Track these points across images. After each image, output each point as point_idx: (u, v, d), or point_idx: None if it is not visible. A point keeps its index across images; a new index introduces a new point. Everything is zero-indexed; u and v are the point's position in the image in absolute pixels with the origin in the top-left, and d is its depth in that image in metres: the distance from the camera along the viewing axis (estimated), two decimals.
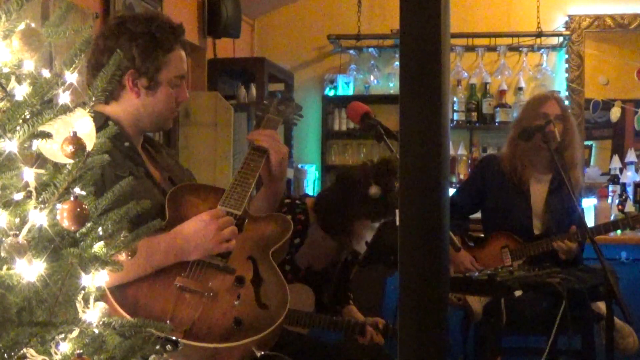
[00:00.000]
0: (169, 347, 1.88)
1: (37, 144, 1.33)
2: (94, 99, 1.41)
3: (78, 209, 1.30)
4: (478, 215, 4.03)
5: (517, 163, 3.77)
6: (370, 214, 2.84)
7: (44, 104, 1.31)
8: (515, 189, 3.78)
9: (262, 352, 2.04)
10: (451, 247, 2.14)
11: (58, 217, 1.30)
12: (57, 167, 1.38)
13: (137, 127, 2.32)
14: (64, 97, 1.33)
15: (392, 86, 6.13)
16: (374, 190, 2.76)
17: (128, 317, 1.93)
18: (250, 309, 2.10)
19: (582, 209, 3.57)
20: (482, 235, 3.93)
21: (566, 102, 5.87)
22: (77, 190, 1.36)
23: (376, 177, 2.81)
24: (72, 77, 1.35)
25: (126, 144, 2.27)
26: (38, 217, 1.31)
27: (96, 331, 1.39)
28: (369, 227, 2.86)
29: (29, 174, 1.31)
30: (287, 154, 2.50)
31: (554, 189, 3.78)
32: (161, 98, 2.29)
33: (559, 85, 5.99)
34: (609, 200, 5.31)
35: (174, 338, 1.92)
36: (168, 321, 1.98)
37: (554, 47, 6.00)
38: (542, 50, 5.98)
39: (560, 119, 3.74)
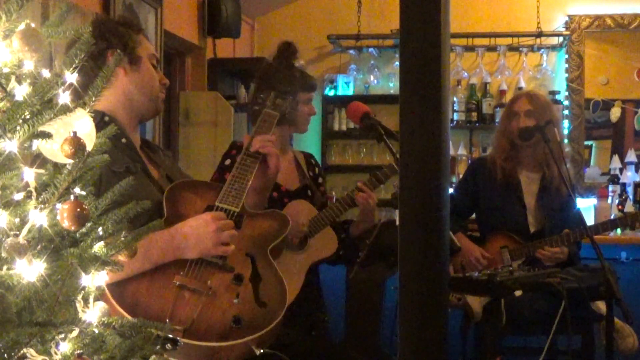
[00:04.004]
0: (168, 346, 1.88)
1: (37, 144, 1.33)
2: (94, 99, 1.41)
3: (78, 209, 1.30)
4: (473, 215, 4.05)
5: (505, 163, 3.80)
6: (306, 86, 3.11)
7: (44, 104, 1.31)
8: (507, 188, 3.81)
9: (261, 350, 2.04)
10: (452, 245, 2.14)
11: (58, 217, 1.30)
12: (57, 167, 1.38)
13: (132, 112, 2.34)
14: (64, 97, 1.33)
15: (392, 86, 6.13)
16: (299, 64, 3.14)
17: (127, 315, 1.93)
18: (249, 308, 2.10)
19: (579, 209, 3.58)
20: (478, 236, 3.94)
21: (566, 102, 5.90)
22: (77, 190, 1.36)
23: (287, 56, 3.17)
24: (72, 77, 1.35)
25: (123, 140, 2.28)
26: (38, 217, 1.31)
27: (96, 331, 1.39)
28: (308, 99, 3.13)
29: (29, 174, 1.31)
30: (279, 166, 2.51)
31: (544, 187, 3.81)
32: (146, 71, 2.36)
33: (559, 85, 5.99)
34: (609, 200, 5.31)
35: (172, 337, 1.91)
36: (167, 320, 1.98)
37: (553, 47, 6.00)
38: (542, 50, 5.98)
39: (531, 115, 3.76)
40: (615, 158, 5.72)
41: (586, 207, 5.31)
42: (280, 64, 3.14)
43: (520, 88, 5.94)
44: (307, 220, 3.00)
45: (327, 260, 3.06)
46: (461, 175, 5.74)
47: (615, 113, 5.91)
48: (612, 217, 5.09)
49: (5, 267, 1.27)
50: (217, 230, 2.14)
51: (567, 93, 5.94)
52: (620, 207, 5.27)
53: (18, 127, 1.28)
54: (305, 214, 3.01)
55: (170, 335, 1.87)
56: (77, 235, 1.40)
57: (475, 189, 3.92)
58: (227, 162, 3.02)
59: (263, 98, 2.65)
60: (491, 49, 6.01)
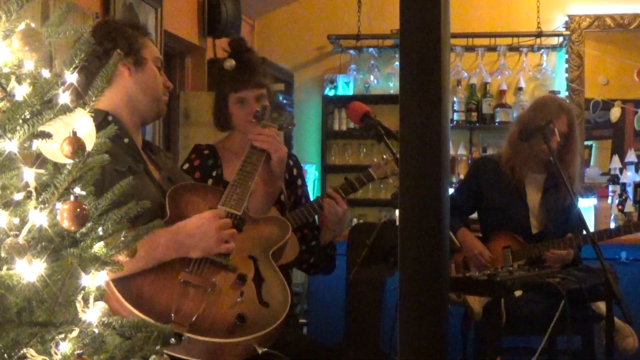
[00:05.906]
0: (173, 340, 1.88)
1: (37, 144, 1.33)
2: (94, 98, 1.41)
3: (78, 209, 1.30)
4: (475, 215, 4.04)
5: (515, 162, 3.78)
6: (234, 85, 2.98)
7: (44, 104, 1.31)
8: (511, 188, 3.79)
9: (263, 349, 2.05)
10: (451, 245, 2.14)
11: (58, 217, 1.30)
12: (57, 167, 1.38)
13: (135, 113, 2.36)
14: (64, 97, 1.33)
15: (392, 86, 6.13)
16: (227, 64, 2.99)
17: (132, 309, 1.94)
18: (253, 306, 2.12)
19: (580, 210, 3.58)
20: (480, 235, 3.94)
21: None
22: (77, 190, 1.36)
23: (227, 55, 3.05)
24: (72, 77, 1.35)
25: (126, 140, 2.30)
26: (38, 217, 1.31)
27: (96, 331, 1.39)
28: (239, 99, 2.99)
29: (29, 174, 1.31)
30: (287, 154, 2.55)
31: (548, 189, 3.79)
32: (150, 73, 2.37)
33: (559, 85, 5.99)
34: (609, 200, 5.31)
35: (177, 331, 1.92)
36: (172, 314, 1.99)
37: (553, 47, 6.00)
38: (542, 50, 5.98)
39: (566, 136, 3.70)
40: (615, 158, 5.73)
41: (586, 207, 5.30)
42: (218, 67, 3.10)
43: (520, 88, 5.94)
44: None
45: (292, 266, 2.98)
46: (461, 176, 5.76)
47: (615, 113, 5.91)
48: (612, 217, 5.09)
49: (5, 267, 1.27)
50: (219, 228, 2.15)
51: (567, 93, 5.94)
52: (620, 207, 5.27)
53: (18, 127, 1.28)
54: None
55: (176, 330, 1.88)
56: (77, 235, 1.40)
57: (477, 188, 3.90)
58: (186, 166, 2.98)
59: (260, 111, 2.70)
60: (491, 49, 6.01)
